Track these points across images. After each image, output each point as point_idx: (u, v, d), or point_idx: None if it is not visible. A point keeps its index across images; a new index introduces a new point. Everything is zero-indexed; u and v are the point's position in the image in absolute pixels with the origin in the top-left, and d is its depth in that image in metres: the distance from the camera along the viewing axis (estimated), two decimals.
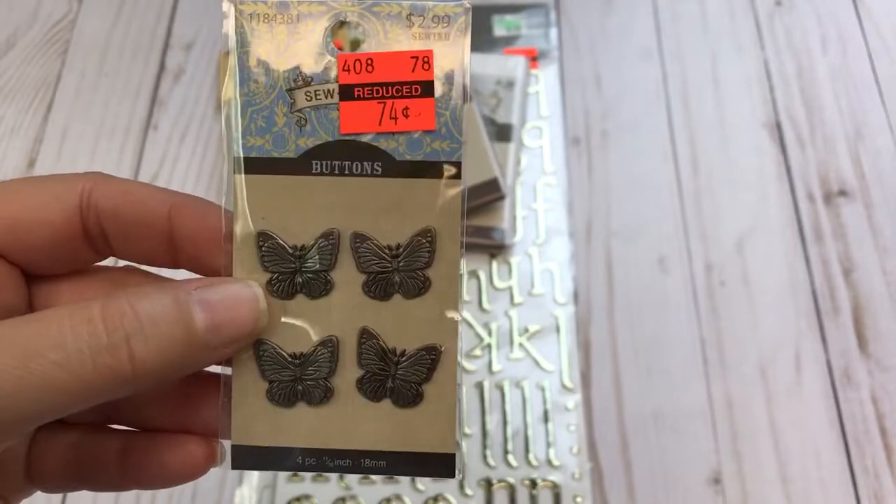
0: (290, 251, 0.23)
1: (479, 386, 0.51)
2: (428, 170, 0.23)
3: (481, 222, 0.55)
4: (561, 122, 0.60)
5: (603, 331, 0.53)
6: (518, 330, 0.53)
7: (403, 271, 0.23)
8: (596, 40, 0.64)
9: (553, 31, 0.63)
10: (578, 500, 0.47)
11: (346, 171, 0.23)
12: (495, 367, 0.52)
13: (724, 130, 0.60)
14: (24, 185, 0.23)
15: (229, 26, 0.23)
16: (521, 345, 0.52)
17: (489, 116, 0.58)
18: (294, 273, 0.23)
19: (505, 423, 0.50)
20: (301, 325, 0.23)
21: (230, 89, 0.23)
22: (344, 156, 0.23)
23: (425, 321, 0.23)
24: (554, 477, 0.48)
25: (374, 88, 0.23)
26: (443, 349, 0.23)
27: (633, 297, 0.54)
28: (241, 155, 0.23)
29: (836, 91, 0.61)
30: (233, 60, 0.23)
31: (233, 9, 0.23)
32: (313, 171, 0.23)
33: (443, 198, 0.23)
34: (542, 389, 0.51)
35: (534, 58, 0.62)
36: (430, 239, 0.23)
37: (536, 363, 0.52)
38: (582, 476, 0.48)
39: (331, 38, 0.23)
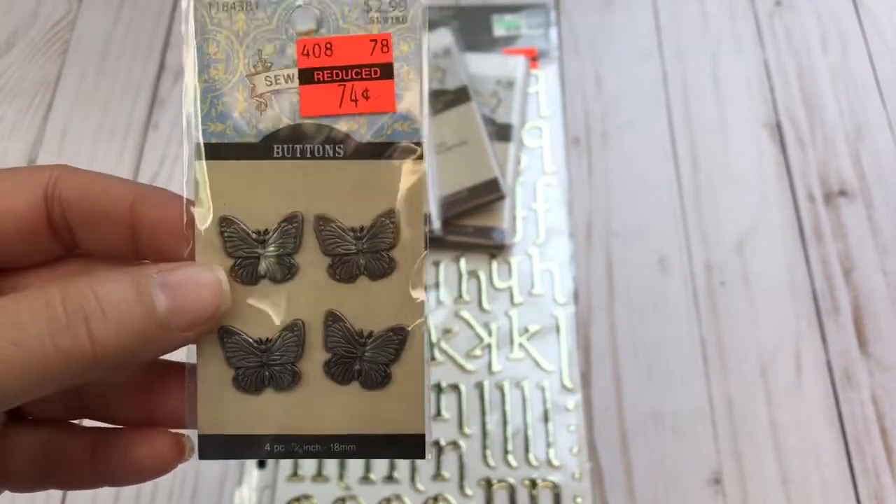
0: (253, 236, 0.23)
1: (479, 386, 0.51)
2: (390, 151, 0.23)
3: (481, 222, 0.55)
4: (561, 122, 0.60)
5: (603, 331, 0.53)
6: (518, 330, 0.53)
7: (368, 253, 0.23)
8: (596, 40, 0.64)
9: (553, 31, 0.63)
10: (578, 500, 0.47)
11: (308, 154, 0.23)
12: (495, 367, 0.52)
13: (724, 130, 0.60)
14: None
15: (188, 15, 0.23)
16: (521, 345, 0.52)
17: (489, 116, 0.58)
18: (258, 258, 0.23)
19: (505, 423, 0.50)
20: (266, 310, 0.23)
21: (190, 76, 0.23)
22: (305, 139, 0.23)
23: (391, 302, 0.23)
24: (554, 477, 0.48)
25: (334, 71, 0.23)
26: (410, 329, 0.23)
27: (633, 297, 0.54)
28: (202, 141, 0.23)
29: (836, 91, 0.61)
30: (192, 48, 0.23)
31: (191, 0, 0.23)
32: (275, 155, 0.23)
33: (405, 178, 0.23)
34: (542, 389, 0.51)
35: (534, 58, 0.62)
36: (393, 220, 0.23)
37: (536, 363, 0.52)
38: (582, 476, 0.48)
39: (289, 23, 0.23)
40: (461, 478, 0.49)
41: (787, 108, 0.61)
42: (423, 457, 0.23)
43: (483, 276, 0.54)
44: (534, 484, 0.48)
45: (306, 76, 0.23)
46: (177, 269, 0.22)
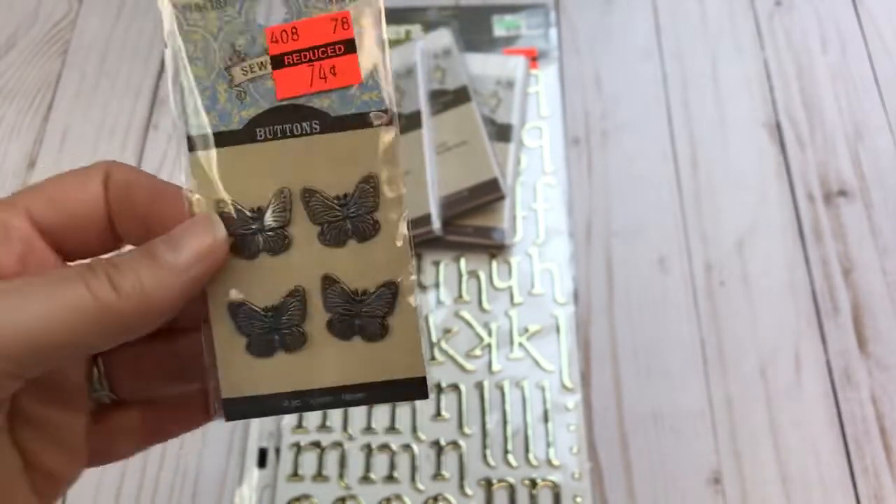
0: (249, 214, 0.25)
1: (479, 386, 0.51)
2: (361, 121, 0.25)
3: (481, 222, 0.55)
4: (561, 122, 0.60)
5: (603, 331, 0.53)
6: (518, 330, 0.53)
7: (353, 217, 0.25)
8: (596, 40, 0.64)
9: (553, 32, 0.64)
10: (578, 499, 0.48)
11: (288, 133, 0.25)
12: (495, 367, 0.52)
13: (724, 130, 0.60)
14: (53, 176, 0.25)
15: (165, 20, 0.25)
16: (521, 345, 0.52)
17: (489, 116, 0.58)
18: (255, 233, 0.25)
19: (505, 422, 0.50)
20: (268, 281, 0.25)
21: (174, 76, 0.25)
22: (284, 120, 0.25)
23: (380, 260, 0.25)
24: (554, 477, 0.48)
25: (302, 53, 0.25)
26: (399, 282, 0.25)
27: (633, 297, 0.54)
28: (193, 133, 0.25)
29: (835, 91, 0.61)
30: (172, 50, 0.25)
31: (167, 5, 0.25)
32: (258, 138, 0.25)
33: (379, 144, 0.25)
34: (542, 389, 0.51)
35: (534, 58, 0.62)
36: (373, 184, 0.25)
37: (536, 363, 0.52)
38: (582, 476, 0.48)
39: (256, 15, 0.25)
40: (461, 477, 0.49)
41: (786, 109, 0.61)
42: (426, 396, 0.25)
43: (483, 276, 0.54)
44: (534, 483, 0.48)
45: (277, 61, 0.25)
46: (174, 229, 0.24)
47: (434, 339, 0.53)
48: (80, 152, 0.60)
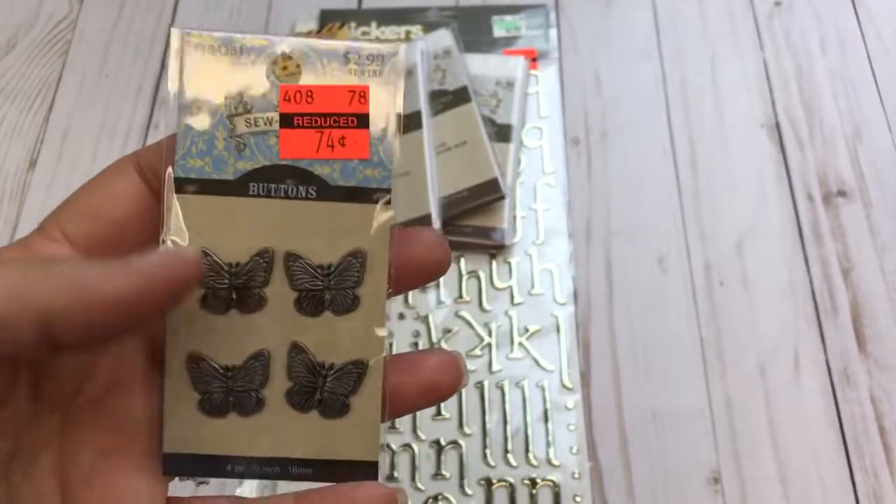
0: (225, 268, 0.24)
1: (479, 386, 0.51)
2: (360, 195, 0.24)
3: (481, 222, 0.55)
4: (560, 123, 0.60)
5: (603, 331, 0.53)
6: (518, 330, 0.53)
7: (334, 289, 0.24)
8: (596, 40, 0.64)
9: (553, 32, 0.64)
10: (578, 499, 0.48)
11: (282, 194, 0.24)
12: (495, 366, 0.52)
13: (724, 131, 0.60)
14: (83, 186, 0.24)
15: (173, 53, 0.24)
16: (521, 344, 0.52)
17: (489, 117, 0.58)
18: (228, 289, 0.24)
19: (505, 422, 0.50)
20: (234, 339, 0.24)
21: (173, 113, 0.24)
22: (280, 179, 0.24)
23: (353, 337, 0.24)
24: (554, 476, 0.48)
25: (314, 118, 0.24)
26: (369, 363, 0.24)
27: (632, 297, 0.54)
28: (182, 175, 0.24)
29: (835, 91, 0.61)
30: (175, 86, 0.24)
31: (179, 39, 0.24)
32: (250, 193, 0.24)
33: (373, 221, 0.24)
34: (542, 389, 0.51)
35: (533, 58, 0.62)
36: (360, 260, 0.24)
37: (536, 363, 0.52)
38: (581, 475, 0.48)
39: (272, 69, 0.24)
40: (461, 477, 0.49)
41: (785, 109, 0.61)
42: (376, 479, 0.25)
43: (483, 275, 0.55)
44: (534, 483, 0.48)
45: (287, 120, 0.24)
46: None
47: (434, 339, 0.53)
48: (80, 152, 0.60)
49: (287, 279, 0.24)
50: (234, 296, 0.24)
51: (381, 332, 0.24)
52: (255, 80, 0.24)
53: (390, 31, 0.64)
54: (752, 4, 0.65)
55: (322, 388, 0.25)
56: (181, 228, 0.24)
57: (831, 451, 0.49)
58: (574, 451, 0.49)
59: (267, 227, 0.24)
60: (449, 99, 0.58)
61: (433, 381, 0.25)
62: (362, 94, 0.24)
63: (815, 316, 0.53)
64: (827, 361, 0.52)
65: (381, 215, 0.24)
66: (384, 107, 0.24)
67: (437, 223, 0.54)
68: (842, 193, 0.57)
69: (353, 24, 0.64)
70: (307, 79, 0.24)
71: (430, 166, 0.55)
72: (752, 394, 0.51)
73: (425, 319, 0.53)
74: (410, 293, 0.54)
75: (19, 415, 0.22)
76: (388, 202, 0.24)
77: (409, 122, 0.57)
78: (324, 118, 0.24)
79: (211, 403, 0.24)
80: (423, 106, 0.57)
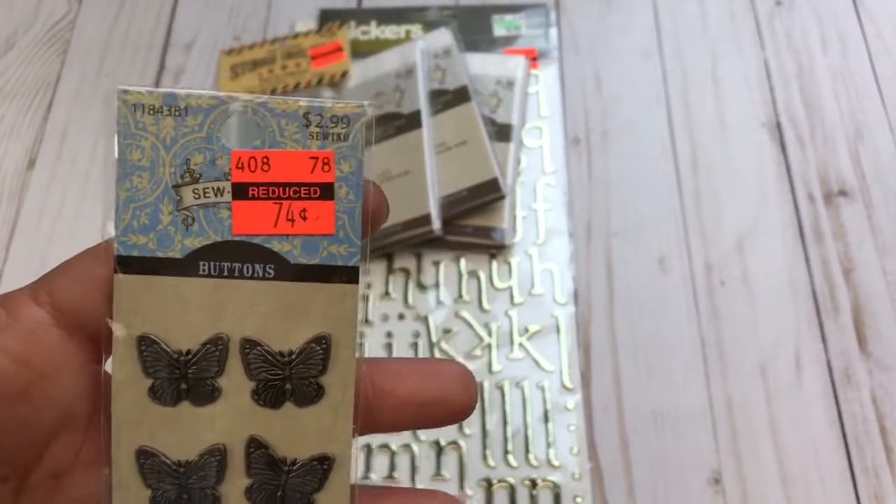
0: (174, 357, 0.22)
1: (479, 386, 0.51)
2: (323, 274, 0.22)
3: (481, 222, 0.55)
4: (561, 122, 0.60)
5: (603, 331, 0.53)
6: (518, 330, 0.53)
7: (296, 379, 0.22)
8: (596, 40, 0.64)
9: (553, 31, 0.63)
10: (578, 500, 0.48)
11: (237, 274, 0.22)
12: (495, 367, 0.52)
13: (724, 130, 0.60)
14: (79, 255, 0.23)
15: (111, 117, 0.22)
16: (521, 345, 0.52)
17: (489, 116, 0.58)
18: (178, 379, 0.22)
19: (505, 423, 0.50)
20: (186, 434, 0.22)
21: (111, 184, 0.22)
22: (234, 257, 0.22)
23: (317, 430, 0.22)
24: (554, 477, 0.48)
25: (271, 188, 0.22)
26: (336, 458, 0.23)
27: (633, 297, 0.54)
28: (123, 253, 0.21)
29: (836, 91, 0.61)
30: (115, 153, 0.22)
31: (116, 99, 0.21)
32: (200, 273, 0.22)
33: (338, 303, 0.22)
34: (542, 389, 0.51)
35: (534, 58, 0.62)
36: (324, 346, 0.22)
37: (536, 363, 0.52)
38: (582, 476, 0.48)
39: (220, 133, 0.22)
40: (461, 478, 0.49)
41: (786, 108, 0.61)
42: None
43: (483, 276, 0.54)
44: (534, 484, 0.48)
45: (240, 191, 0.21)
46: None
47: (434, 339, 0.53)
48: (79, 152, 0.60)
49: (244, 368, 0.22)
50: (185, 386, 0.22)
51: (349, 425, 0.22)
52: (203, 145, 0.21)
53: (390, 31, 0.64)
54: (753, 4, 0.65)
55: (285, 486, 0.23)
56: (124, 313, 0.22)
57: (832, 452, 0.49)
58: (574, 451, 0.49)
59: (220, 311, 0.22)
60: (449, 98, 0.58)
61: (448, 396, 0.23)
62: (326, 161, 0.21)
63: (816, 316, 0.53)
64: (828, 361, 0.52)
65: (346, 296, 0.22)
66: (349, 174, 0.22)
67: (437, 223, 0.54)
68: (843, 193, 0.57)
69: (352, 24, 0.64)
70: (261, 144, 0.22)
71: (430, 166, 0.55)
72: (753, 394, 0.51)
73: (425, 320, 0.53)
74: (410, 293, 0.54)
75: None
76: (354, 280, 0.22)
77: (409, 122, 0.57)
78: (282, 188, 0.22)
79: (164, 502, 0.22)
80: (423, 105, 0.57)
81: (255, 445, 0.22)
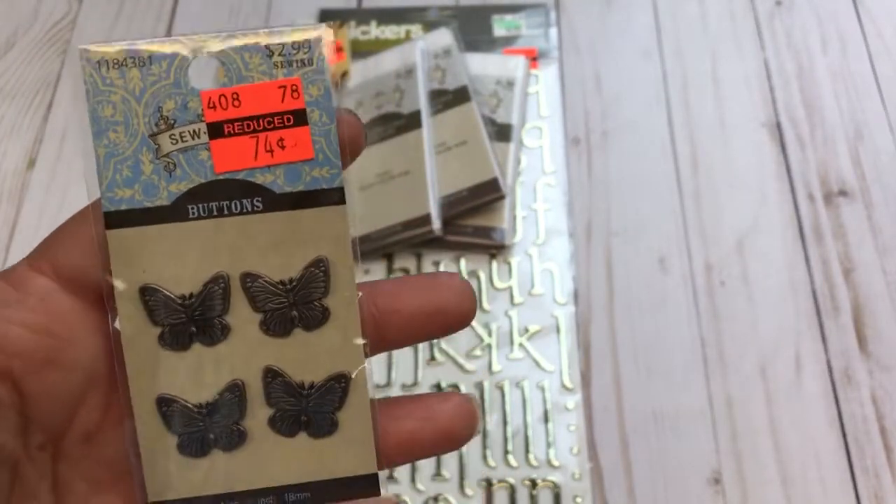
0: (179, 302, 0.22)
1: (479, 386, 0.51)
2: (310, 199, 0.22)
3: (481, 222, 0.55)
4: (561, 122, 0.60)
5: (603, 331, 0.53)
6: (518, 330, 0.53)
7: (300, 304, 0.23)
8: (596, 40, 0.64)
9: (553, 31, 0.63)
10: (578, 500, 0.48)
11: (226, 212, 0.22)
12: (495, 367, 0.52)
13: (724, 130, 0.60)
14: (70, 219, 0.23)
15: (79, 78, 0.21)
16: (521, 345, 0.52)
17: (489, 116, 0.58)
18: (186, 323, 0.22)
19: (505, 423, 0.50)
20: (202, 374, 0.23)
21: (87, 143, 0.22)
22: (221, 196, 0.22)
23: (330, 351, 0.23)
24: (554, 477, 0.48)
25: (245, 123, 0.22)
26: (352, 375, 0.23)
27: (633, 297, 0.54)
28: (112, 209, 0.22)
29: (836, 91, 0.61)
30: (87, 112, 0.22)
31: (78, 59, 0.21)
32: (190, 216, 0.22)
33: (329, 225, 0.22)
34: (542, 389, 0.51)
35: (534, 58, 0.62)
36: (323, 268, 0.23)
37: (536, 363, 0.52)
38: (582, 476, 0.48)
39: (188, 76, 0.22)
40: (461, 478, 0.49)
41: (786, 108, 0.61)
42: (378, 494, 0.23)
43: (483, 276, 0.54)
44: (534, 484, 0.48)
45: (216, 130, 0.22)
46: None
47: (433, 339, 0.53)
48: (79, 152, 0.60)
49: (248, 302, 0.22)
50: (193, 329, 0.22)
51: (359, 341, 0.23)
52: (172, 91, 0.22)
53: (390, 31, 0.64)
54: (753, 4, 0.65)
55: (306, 410, 0.23)
56: (122, 267, 0.22)
57: (832, 452, 0.49)
58: (574, 451, 0.49)
59: (216, 251, 0.22)
60: (449, 98, 0.58)
61: (450, 429, 0.24)
62: (294, 88, 0.22)
63: (816, 316, 0.53)
64: (828, 361, 0.52)
65: (336, 217, 0.22)
66: (320, 97, 0.22)
67: (437, 223, 0.54)
68: (843, 193, 0.57)
69: (352, 24, 0.64)
70: (229, 80, 0.22)
71: (430, 166, 0.55)
72: (753, 394, 0.51)
73: None
74: None
75: (7, 451, 0.21)
76: (341, 200, 0.22)
77: (409, 122, 0.57)
78: (256, 121, 0.22)
79: (191, 445, 0.23)
80: (423, 105, 0.57)
81: (272, 375, 0.23)
